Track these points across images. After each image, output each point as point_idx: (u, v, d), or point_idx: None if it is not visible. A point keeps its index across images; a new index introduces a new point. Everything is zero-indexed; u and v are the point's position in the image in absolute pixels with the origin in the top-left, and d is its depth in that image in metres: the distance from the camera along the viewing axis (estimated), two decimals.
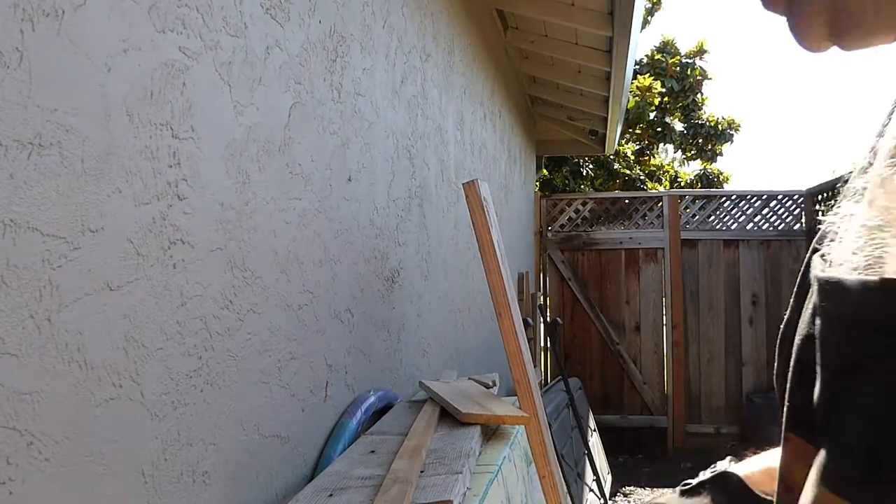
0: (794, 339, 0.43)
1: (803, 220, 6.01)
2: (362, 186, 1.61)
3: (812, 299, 0.41)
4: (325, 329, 1.40)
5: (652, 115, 9.22)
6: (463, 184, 1.88)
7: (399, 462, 1.19)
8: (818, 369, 0.38)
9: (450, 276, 2.58)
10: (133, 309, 0.83)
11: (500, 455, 1.44)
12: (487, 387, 2.02)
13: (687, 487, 0.73)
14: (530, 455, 1.74)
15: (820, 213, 5.80)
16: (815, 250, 0.44)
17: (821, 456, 0.36)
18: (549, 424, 2.37)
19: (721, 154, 9.87)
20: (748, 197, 6.15)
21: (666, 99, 9.34)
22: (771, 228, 6.06)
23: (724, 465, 0.73)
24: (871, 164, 0.43)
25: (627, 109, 7.07)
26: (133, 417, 0.83)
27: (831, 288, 0.38)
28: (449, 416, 1.57)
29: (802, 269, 0.46)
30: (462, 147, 2.86)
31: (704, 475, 0.73)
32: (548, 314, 5.56)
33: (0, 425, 0.65)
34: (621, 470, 5.50)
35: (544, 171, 7.32)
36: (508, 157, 4.39)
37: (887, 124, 0.44)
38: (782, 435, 0.45)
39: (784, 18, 0.40)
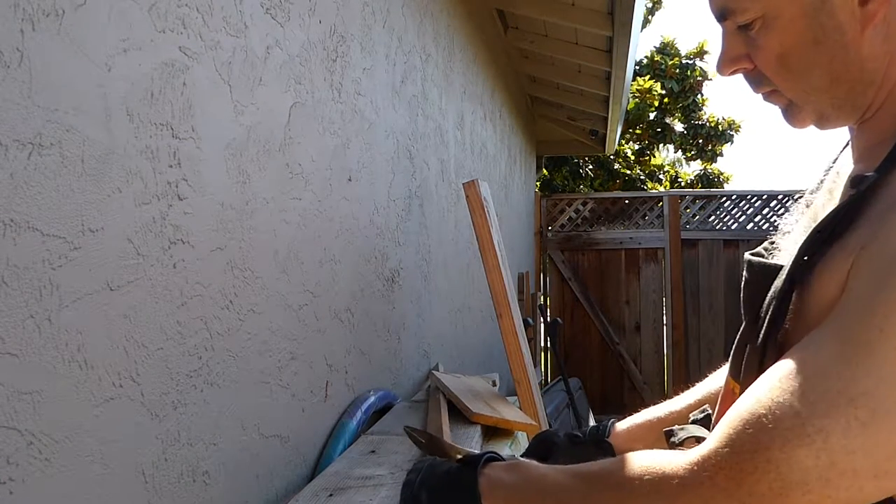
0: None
1: None
2: (362, 186, 1.61)
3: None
4: (326, 329, 1.40)
5: (652, 116, 9.21)
6: (463, 184, 1.88)
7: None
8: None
9: (450, 276, 2.58)
10: (133, 309, 0.83)
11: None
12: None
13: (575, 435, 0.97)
14: None
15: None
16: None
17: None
18: (549, 424, 2.37)
19: (721, 154, 9.86)
20: (748, 197, 6.15)
21: (666, 100, 9.33)
22: (771, 228, 6.01)
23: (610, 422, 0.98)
24: (815, 189, 0.73)
25: (627, 111, 7.07)
26: (133, 417, 0.83)
27: (746, 263, 0.72)
28: (452, 413, 1.57)
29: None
30: (462, 147, 2.86)
31: (590, 426, 0.98)
32: (548, 314, 5.56)
33: (0, 425, 0.65)
34: None
35: (544, 171, 7.32)
36: (508, 157, 4.39)
37: (832, 167, 0.73)
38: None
39: (780, 109, 0.69)
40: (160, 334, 0.88)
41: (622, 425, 0.97)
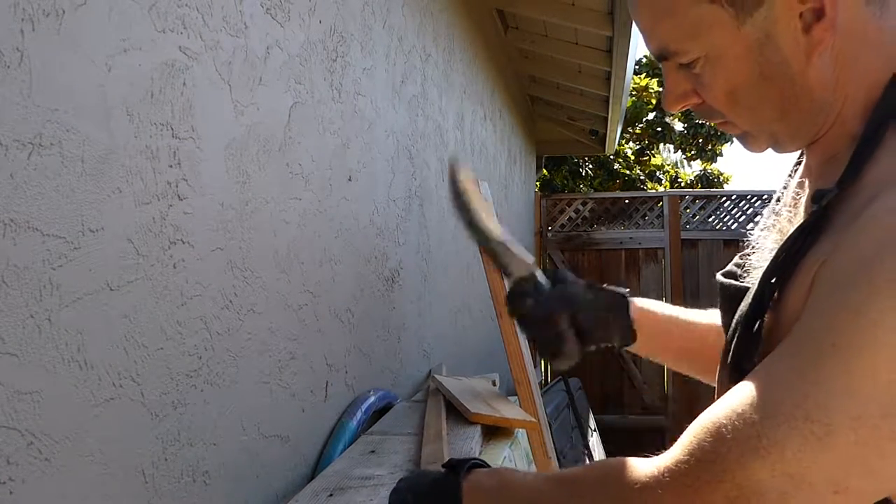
0: None
1: None
2: (362, 186, 1.61)
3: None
4: (325, 329, 1.40)
5: (651, 115, 9.21)
6: None
7: (427, 448, 1.22)
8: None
9: (450, 276, 2.58)
10: (133, 309, 0.83)
11: (500, 455, 1.44)
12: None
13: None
14: (531, 455, 1.74)
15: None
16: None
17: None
18: (549, 424, 2.37)
19: (721, 154, 9.86)
20: (748, 197, 6.15)
21: None
22: None
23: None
24: (781, 197, 0.75)
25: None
26: (133, 417, 0.83)
27: (719, 285, 0.75)
28: (452, 414, 1.57)
29: None
30: (462, 147, 2.86)
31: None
32: None
33: (0, 425, 0.65)
34: None
35: (544, 171, 7.31)
36: (508, 157, 4.39)
37: (796, 170, 0.75)
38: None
39: (736, 135, 0.70)
40: (160, 334, 0.88)
41: (641, 302, 1.00)
